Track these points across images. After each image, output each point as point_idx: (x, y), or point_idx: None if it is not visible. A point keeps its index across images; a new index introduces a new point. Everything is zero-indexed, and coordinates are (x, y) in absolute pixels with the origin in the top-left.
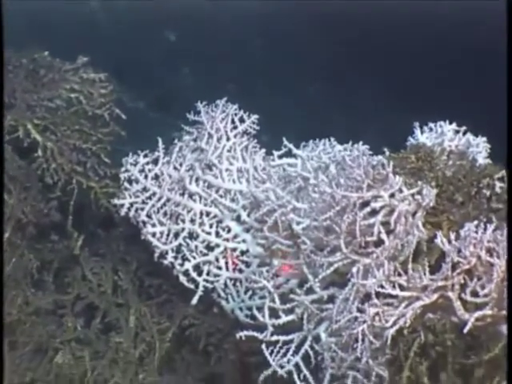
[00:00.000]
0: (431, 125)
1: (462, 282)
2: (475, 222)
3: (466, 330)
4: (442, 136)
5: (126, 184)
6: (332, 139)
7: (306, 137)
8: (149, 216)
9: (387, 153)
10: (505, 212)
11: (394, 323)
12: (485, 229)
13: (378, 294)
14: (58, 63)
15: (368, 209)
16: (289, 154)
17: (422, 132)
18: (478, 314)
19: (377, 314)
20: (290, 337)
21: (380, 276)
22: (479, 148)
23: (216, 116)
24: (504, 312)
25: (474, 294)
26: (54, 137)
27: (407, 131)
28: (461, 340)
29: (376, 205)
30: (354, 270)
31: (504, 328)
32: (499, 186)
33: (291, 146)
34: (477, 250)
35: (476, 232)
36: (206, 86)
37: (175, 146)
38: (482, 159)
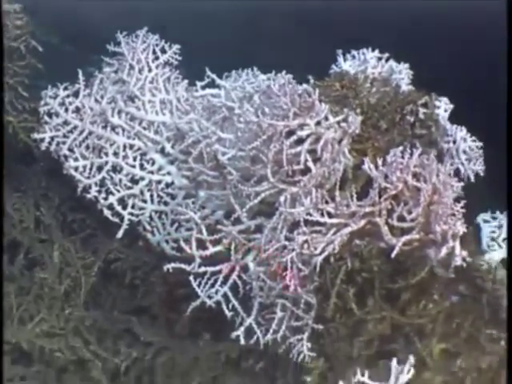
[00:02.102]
0: (354, 52)
1: (389, 207)
2: (401, 148)
3: (393, 255)
4: (364, 63)
5: (46, 118)
6: (255, 69)
7: (228, 68)
8: (70, 150)
9: (312, 81)
10: (428, 138)
11: (323, 250)
12: (411, 154)
13: (306, 222)
14: None
15: (294, 137)
16: (212, 84)
17: (344, 60)
18: (405, 238)
19: (305, 241)
20: (217, 267)
21: (307, 204)
22: (402, 75)
23: (137, 47)
24: (430, 236)
25: (401, 219)
26: None
27: (330, 60)
28: (387, 265)
29: (302, 133)
30: (282, 198)
31: (430, 252)
32: (422, 112)
33: (214, 76)
34: (403, 175)
35: (402, 157)
36: (120, 20)
37: (96, 78)
38: (405, 86)
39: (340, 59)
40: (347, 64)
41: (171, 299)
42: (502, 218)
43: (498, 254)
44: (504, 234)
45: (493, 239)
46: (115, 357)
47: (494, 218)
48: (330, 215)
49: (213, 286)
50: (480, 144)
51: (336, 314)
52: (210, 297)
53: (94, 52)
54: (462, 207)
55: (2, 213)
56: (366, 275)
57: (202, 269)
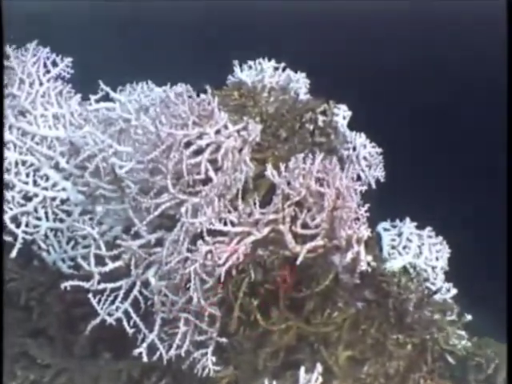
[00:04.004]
0: (250, 62)
1: (293, 214)
2: (303, 154)
3: (298, 262)
4: (262, 73)
5: None
6: (150, 82)
7: (121, 81)
8: None
9: (209, 90)
10: (328, 145)
11: (227, 260)
12: (313, 159)
13: (209, 233)
14: None
15: (194, 147)
16: (106, 98)
17: (241, 70)
18: (309, 245)
19: (209, 252)
20: (117, 284)
21: (210, 214)
22: (299, 83)
23: (27, 60)
24: (335, 242)
25: (305, 226)
26: None
27: (226, 70)
28: (291, 275)
29: (202, 142)
30: (183, 209)
31: (335, 258)
32: (321, 120)
33: (108, 89)
34: (306, 181)
35: (304, 163)
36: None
37: None
38: (304, 94)
39: (237, 69)
40: (244, 74)
41: (69, 319)
42: (402, 226)
43: (398, 261)
44: (404, 242)
45: (393, 247)
46: (12, 380)
47: (394, 227)
48: (232, 224)
49: (113, 302)
50: (380, 150)
51: (240, 326)
52: (110, 314)
53: None
54: (365, 211)
55: (2, 213)
56: (269, 286)
57: (102, 285)
